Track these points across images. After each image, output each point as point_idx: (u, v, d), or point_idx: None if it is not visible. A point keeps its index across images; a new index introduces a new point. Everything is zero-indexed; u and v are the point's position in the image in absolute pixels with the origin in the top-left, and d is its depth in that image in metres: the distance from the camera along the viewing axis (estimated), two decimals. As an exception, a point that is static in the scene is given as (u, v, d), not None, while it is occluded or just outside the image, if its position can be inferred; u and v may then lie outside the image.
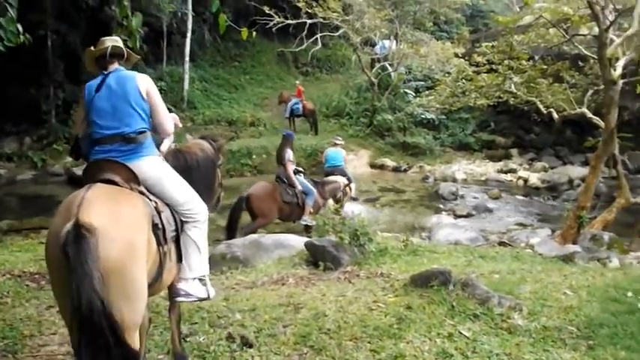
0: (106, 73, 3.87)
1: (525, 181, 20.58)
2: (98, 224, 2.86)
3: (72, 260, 2.73)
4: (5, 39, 5.54)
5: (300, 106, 23.64)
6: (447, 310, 5.24)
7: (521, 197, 18.24)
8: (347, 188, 12.29)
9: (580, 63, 14.65)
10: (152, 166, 3.84)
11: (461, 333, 4.78)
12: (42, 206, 14.64)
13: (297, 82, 26.20)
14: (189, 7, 19.51)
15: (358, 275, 6.80)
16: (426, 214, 14.95)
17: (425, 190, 18.81)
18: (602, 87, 13.07)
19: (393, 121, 24.81)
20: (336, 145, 13.35)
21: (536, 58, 14.68)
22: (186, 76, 24.44)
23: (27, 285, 6.18)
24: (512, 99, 14.78)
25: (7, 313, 5.31)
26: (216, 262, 7.26)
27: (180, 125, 8.51)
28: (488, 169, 22.74)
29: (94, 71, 4.00)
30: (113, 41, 3.98)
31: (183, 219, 3.93)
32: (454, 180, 20.31)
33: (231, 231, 10.05)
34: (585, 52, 12.49)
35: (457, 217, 14.63)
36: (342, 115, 25.90)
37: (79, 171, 17.15)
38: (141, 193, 3.62)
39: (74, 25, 20.97)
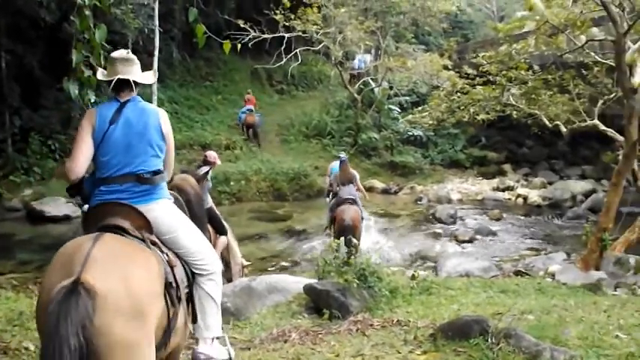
0: (121, 101, 3.61)
1: (525, 199, 20.19)
2: (103, 290, 2.59)
3: (51, 315, 2.46)
4: None
5: (243, 116, 23.97)
6: (493, 371, 4.50)
7: (523, 217, 17.81)
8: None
9: (584, 71, 14.09)
10: (166, 211, 3.60)
11: (518, 402, 4.05)
12: (-1, 247, 13.64)
13: (249, 91, 25.96)
14: (157, 23, 18.71)
15: (372, 325, 6.03)
16: (427, 240, 14.37)
17: (420, 213, 18.17)
18: (611, 96, 12.65)
19: (379, 139, 24.27)
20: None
21: (536, 67, 14.16)
22: (155, 98, 23.45)
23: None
24: (515, 112, 14.26)
25: None
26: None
27: (220, 162, 8.40)
28: (483, 187, 22.33)
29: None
30: (125, 63, 3.70)
31: (196, 271, 3.67)
32: (449, 201, 19.82)
33: None
34: (601, 60, 11.97)
35: (460, 242, 14.11)
36: (323, 135, 25.13)
37: (39, 205, 16.26)
38: (153, 243, 3.32)
39: (31, 44, 19.94)
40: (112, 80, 3.63)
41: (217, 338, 3.89)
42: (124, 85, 3.65)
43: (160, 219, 3.50)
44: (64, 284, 2.53)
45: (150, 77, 4.00)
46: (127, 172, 3.46)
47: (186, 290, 3.54)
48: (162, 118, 3.67)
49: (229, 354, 3.91)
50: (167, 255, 3.37)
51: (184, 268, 3.58)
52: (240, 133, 24.42)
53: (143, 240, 3.26)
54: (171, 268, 3.31)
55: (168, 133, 3.71)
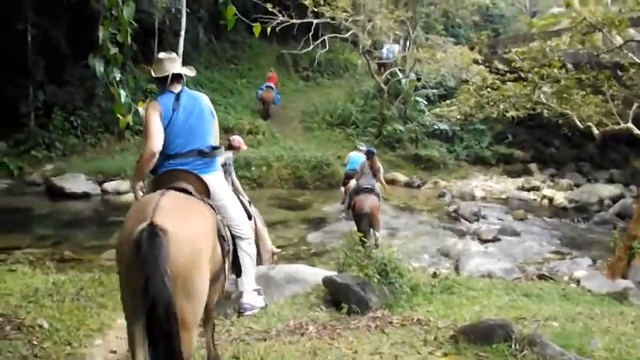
0: (175, 92, 4.37)
1: (551, 200, 19.90)
2: (170, 229, 3.25)
3: (145, 254, 3.13)
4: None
5: (260, 92, 24.68)
6: (515, 379, 4.39)
7: (548, 219, 17.51)
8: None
9: (619, 72, 13.77)
10: (219, 181, 4.47)
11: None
12: (18, 221, 13.56)
13: (271, 69, 26.45)
14: (184, 3, 18.67)
15: (391, 322, 5.95)
16: (448, 237, 14.17)
17: (442, 209, 17.94)
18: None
19: (404, 131, 24.04)
20: (360, 150, 14.36)
21: (569, 65, 13.89)
22: (179, 80, 23.54)
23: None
24: (546, 111, 14.00)
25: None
26: (220, 304, 6.34)
27: (245, 147, 9.05)
28: (508, 185, 22.09)
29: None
30: (171, 62, 4.47)
31: (237, 234, 4.49)
32: (473, 198, 19.55)
33: None
34: (639, 61, 11.66)
35: (483, 241, 13.90)
36: (347, 125, 24.92)
37: (59, 181, 16.33)
38: (210, 206, 4.05)
39: (57, 19, 19.96)
40: (168, 76, 4.37)
41: (255, 290, 4.89)
42: (174, 79, 4.41)
43: (215, 188, 4.33)
44: (142, 226, 3.22)
45: (192, 71, 4.73)
46: (191, 149, 4.27)
47: (232, 247, 4.34)
48: (208, 100, 4.56)
49: (265, 302, 4.99)
50: (219, 216, 4.15)
51: (229, 231, 4.34)
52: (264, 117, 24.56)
53: (202, 201, 3.98)
54: (224, 226, 4.15)
55: (214, 113, 4.55)
